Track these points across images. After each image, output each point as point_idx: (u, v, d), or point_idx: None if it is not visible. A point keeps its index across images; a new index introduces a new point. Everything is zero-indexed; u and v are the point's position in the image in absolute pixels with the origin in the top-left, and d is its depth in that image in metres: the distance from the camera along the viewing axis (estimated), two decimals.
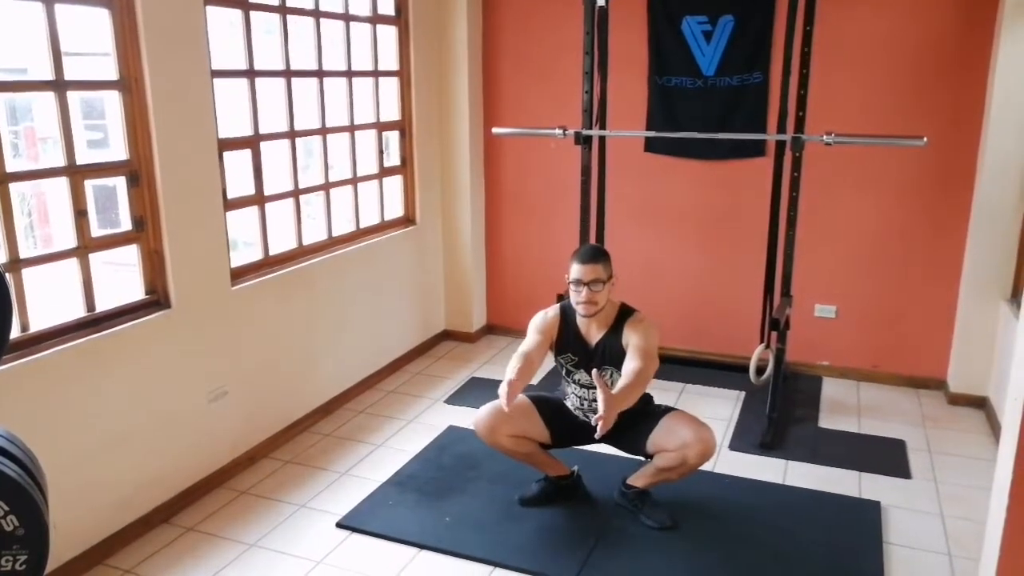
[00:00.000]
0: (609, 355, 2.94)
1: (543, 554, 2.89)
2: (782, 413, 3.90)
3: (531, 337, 3.00)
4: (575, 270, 2.87)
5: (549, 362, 3.11)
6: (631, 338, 2.86)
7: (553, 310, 3.07)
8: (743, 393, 4.30)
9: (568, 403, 3.15)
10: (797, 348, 4.43)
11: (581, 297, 2.86)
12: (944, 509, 3.19)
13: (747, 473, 3.47)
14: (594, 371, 2.65)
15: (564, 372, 3.09)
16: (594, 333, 2.99)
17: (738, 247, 4.54)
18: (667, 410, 2.99)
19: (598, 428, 2.48)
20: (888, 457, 3.61)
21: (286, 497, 3.29)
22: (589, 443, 3.09)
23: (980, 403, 4.12)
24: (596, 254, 2.93)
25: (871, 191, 4.27)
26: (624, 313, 2.97)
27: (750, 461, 3.58)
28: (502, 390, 2.62)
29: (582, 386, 3.04)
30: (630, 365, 2.76)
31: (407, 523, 3.08)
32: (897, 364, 4.44)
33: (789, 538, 2.97)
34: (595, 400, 2.90)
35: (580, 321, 3.00)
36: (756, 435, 3.77)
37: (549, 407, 3.09)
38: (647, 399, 3.05)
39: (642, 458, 3.08)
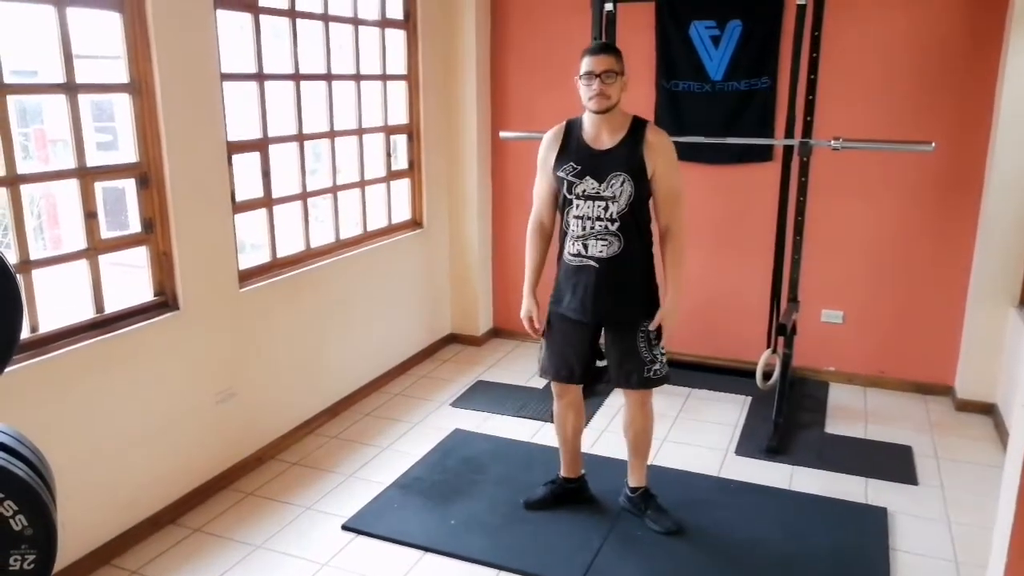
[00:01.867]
0: (626, 162, 2.73)
1: (548, 558, 2.89)
2: (788, 418, 3.89)
3: (539, 183, 2.92)
4: (586, 62, 2.69)
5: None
6: (660, 161, 2.73)
7: (558, 126, 2.89)
8: (749, 398, 4.29)
9: (567, 243, 2.86)
10: (804, 353, 4.42)
11: (593, 89, 2.67)
12: (951, 516, 3.18)
13: (753, 478, 3.46)
14: (602, 251, 2.76)
15: (565, 188, 2.80)
16: (605, 139, 2.77)
17: (745, 252, 4.54)
18: (654, 382, 2.90)
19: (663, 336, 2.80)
20: (895, 463, 3.60)
21: (292, 499, 3.30)
22: (596, 335, 2.96)
23: (988, 409, 4.10)
24: (608, 46, 2.79)
25: (879, 197, 4.26)
26: (639, 122, 2.79)
27: (756, 466, 3.57)
28: (525, 319, 2.94)
29: (587, 198, 2.76)
30: (668, 222, 2.81)
31: (412, 526, 3.08)
32: (904, 370, 4.43)
33: (795, 544, 2.96)
34: (599, 218, 2.75)
35: (588, 127, 2.80)
36: (762, 440, 3.76)
37: (562, 365, 2.97)
38: (654, 300, 2.88)
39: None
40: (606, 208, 2.75)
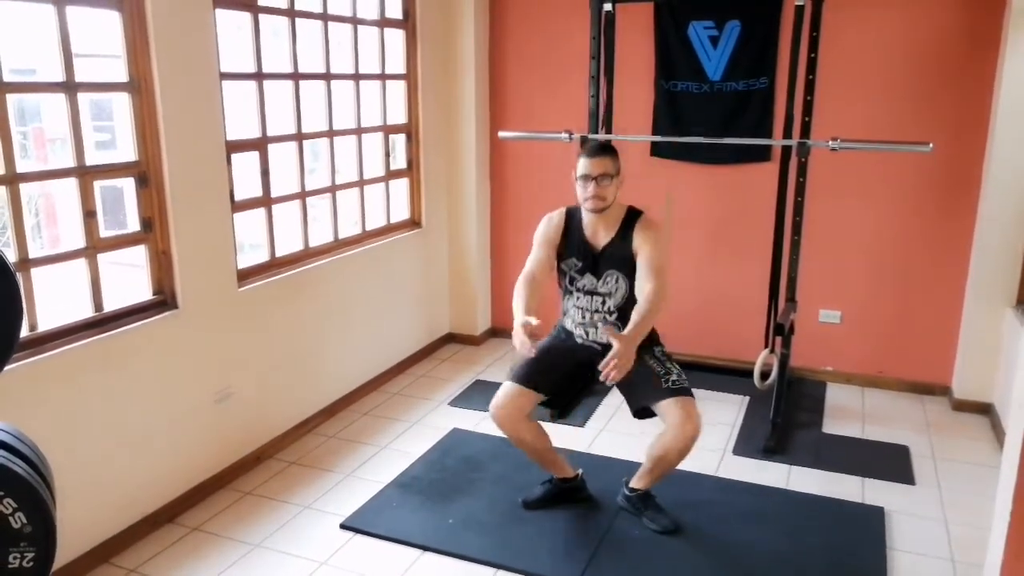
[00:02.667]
0: (616, 260, 2.86)
1: (546, 556, 2.89)
2: (786, 418, 3.90)
3: (536, 252, 2.94)
4: (582, 164, 2.79)
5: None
6: (643, 247, 2.79)
7: (558, 213, 2.99)
8: (747, 398, 4.30)
9: (568, 322, 3.02)
10: (801, 353, 4.43)
11: (589, 192, 2.78)
12: (948, 515, 3.19)
13: (751, 478, 3.47)
14: (602, 324, 2.69)
15: (567, 280, 2.98)
16: (601, 236, 2.89)
17: (743, 252, 4.54)
18: (678, 391, 2.82)
19: (610, 378, 2.48)
20: (892, 463, 3.61)
21: (291, 498, 3.30)
22: (590, 383, 2.97)
23: (985, 409, 4.11)
24: (604, 148, 2.86)
25: (876, 197, 4.27)
26: (632, 215, 2.89)
27: (754, 466, 3.58)
28: (518, 335, 2.61)
29: (586, 293, 2.94)
30: (645, 287, 2.71)
31: (411, 525, 3.08)
32: (901, 370, 4.44)
33: (792, 543, 2.97)
34: (598, 311, 2.92)
35: (586, 224, 2.91)
36: (760, 440, 3.77)
37: (533, 375, 2.94)
38: (655, 338, 2.94)
39: (633, 415, 2.96)
40: (604, 302, 2.93)
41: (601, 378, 2.53)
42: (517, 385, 2.96)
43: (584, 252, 2.92)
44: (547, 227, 2.98)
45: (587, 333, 2.99)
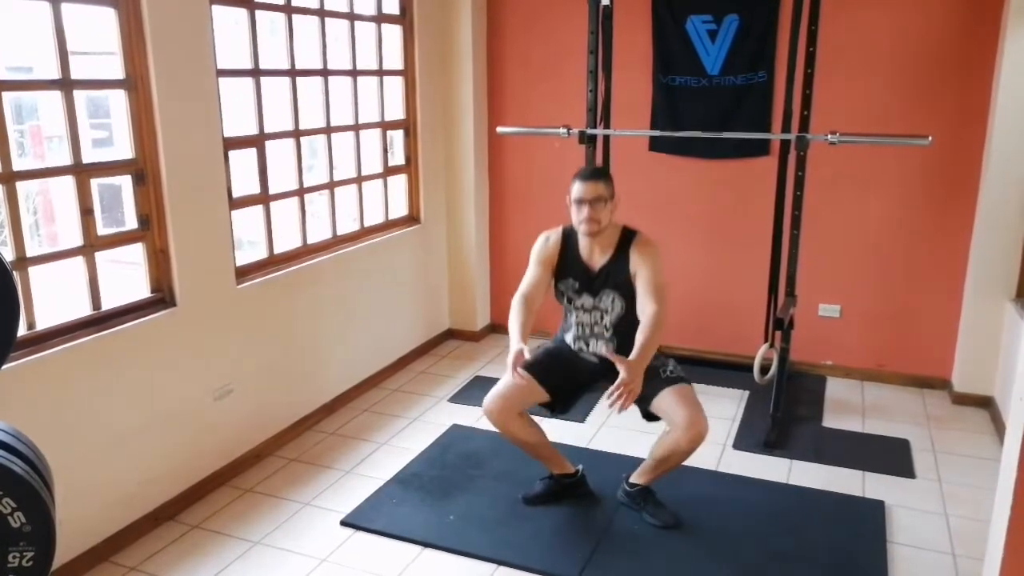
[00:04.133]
0: (613, 279, 2.90)
1: (547, 552, 2.89)
2: (786, 412, 3.90)
3: (532, 271, 2.96)
4: (576, 188, 2.83)
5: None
6: (641, 268, 2.82)
7: (555, 233, 3.01)
8: (747, 392, 4.30)
9: (568, 337, 3.07)
10: (801, 347, 4.43)
11: (583, 216, 2.81)
12: (948, 509, 3.19)
13: (751, 472, 3.47)
14: (603, 346, 2.75)
15: (565, 300, 3.02)
16: (597, 257, 2.93)
17: (742, 246, 4.54)
18: (675, 380, 2.87)
19: (618, 406, 2.50)
20: (892, 457, 3.61)
21: (291, 495, 3.30)
22: (594, 386, 2.99)
23: (985, 403, 4.11)
24: (598, 172, 2.92)
25: (876, 191, 4.26)
26: (628, 235, 2.91)
27: (754, 460, 3.58)
28: (510, 360, 2.66)
29: (585, 310, 2.99)
30: (646, 309, 2.74)
31: (411, 521, 3.08)
32: (901, 364, 4.44)
33: (792, 537, 2.97)
34: (596, 324, 2.97)
35: (582, 244, 2.94)
36: (760, 434, 3.77)
37: (537, 367, 2.94)
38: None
39: (642, 416, 2.99)
40: (601, 317, 2.97)
41: (608, 406, 2.55)
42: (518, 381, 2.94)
43: (581, 273, 2.96)
44: (544, 247, 3.00)
45: (587, 344, 3.04)
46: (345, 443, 3.78)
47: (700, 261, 4.67)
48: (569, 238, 2.99)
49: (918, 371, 4.41)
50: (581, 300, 2.98)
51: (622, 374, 2.51)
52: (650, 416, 2.96)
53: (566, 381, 3.03)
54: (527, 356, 2.70)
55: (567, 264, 2.98)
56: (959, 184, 4.11)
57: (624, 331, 2.87)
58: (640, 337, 2.68)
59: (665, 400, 2.84)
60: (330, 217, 4.09)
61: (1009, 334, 3.88)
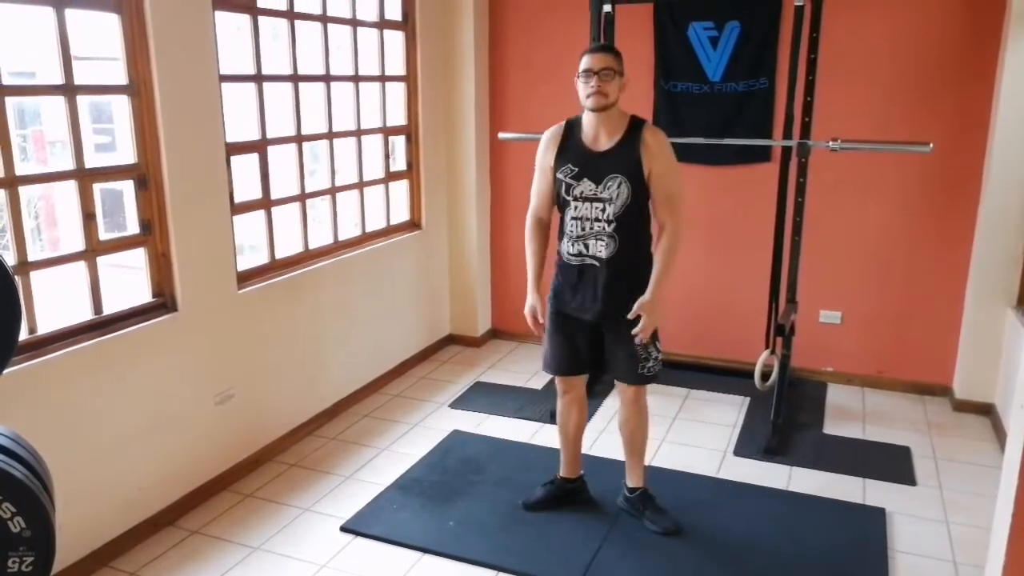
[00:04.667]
0: (622, 163, 2.74)
1: (547, 558, 2.89)
2: (787, 419, 3.90)
3: (538, 179, 2.92)
4: (585, 60, 2.72)
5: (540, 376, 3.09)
6: (656, 164, 2.73)
7: (558, 125, 2.90)
8: (748, 399, 4.30)
9: (564, 245, 2.88)
10: (802, 354, 4.43)
11: (591, 87, 2.69)
12: (949, 516, 3.18)
13: (751, 479, 3.46)
14: (603, 252, 2.78)
15: (563, 190, 2.82)
16: (603, 140, 2.78)
17: (743, 252, 4.54)
18: (644, 380, 2.93)
19: (639, 336, 2.74)
20: (893, 464, 3.60)
21: (291, 500, 3.30)
22: (596, 340, 2.97)
23: (986, 410, 4.10)
24: (607, 47, 2.89)
25: (877, 198, 4.26)
26: (637, 122, 2.80)
27: (754, 467, 3.58)
28: (527, 315, 2.95)
29: (584, 200, 2.79)
30: (662, 219, 2.79)
31: (411, 527, 3.08)
32: (902, 371, 4.43)
33: (793, 544, 2.97)
34: (598, 219, 2.77)
35: (587, 128, 2.81)
36: (761, 441, 3.77)
37: (564, 352, 2.98)
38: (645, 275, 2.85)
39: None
40: (603, 209, 2.77)
41: (636, 342, 2.78)
42: (561, 377, 3.08)
43: (581, 155, 2.79)
44: (545, 141, 2.89)
45: (587, 247, 2.81)
46: (345, 448, 3.77)
47: (701, 267, 4.67)
48: (572, 127, 2.86)
49: (919, 378, 4.40)
50: (580, 187, 2.78)
51: (642, 320, 2.74)
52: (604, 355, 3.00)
53: (587, 351, 2.99)
54: (541, 317, 2.96)
55: (567, 149, 2.82)
56: (960, 191, 4.11)
57: (627, 230, 2.76)
58: (658, 261, 2.78)
59: (626, 390, 3.00)
60: (332, 222, 4.09)
61: (1010, 341, 3.88)
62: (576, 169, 2.80)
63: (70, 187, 2.73)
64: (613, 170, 2.75)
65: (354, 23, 4.12)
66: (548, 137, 2.90)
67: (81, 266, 2.80)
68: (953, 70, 4.01)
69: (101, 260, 2.85)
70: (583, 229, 2.81)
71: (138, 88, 2.88)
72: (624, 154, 2.75)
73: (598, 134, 2.79)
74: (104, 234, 2.85)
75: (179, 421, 3.13)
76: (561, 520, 3.12)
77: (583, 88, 2.73)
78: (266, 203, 3.61)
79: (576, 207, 2.81)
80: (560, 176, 2.83)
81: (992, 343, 4.02)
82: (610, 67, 2.69)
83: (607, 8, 4.02)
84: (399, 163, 4.68)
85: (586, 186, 2.79)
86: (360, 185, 4.29)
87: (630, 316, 2.77)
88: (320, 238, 4.04)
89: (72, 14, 2.65)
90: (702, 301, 4.71)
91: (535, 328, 2.98)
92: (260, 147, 3.55)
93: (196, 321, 3.16)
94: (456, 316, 5.22)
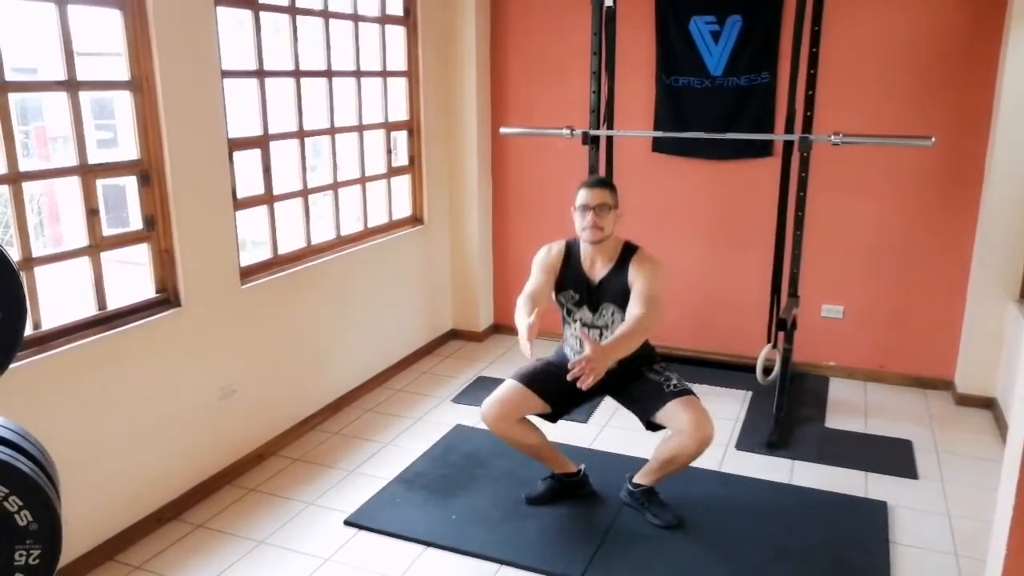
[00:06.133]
0: (612, 292, 2.89)
1: (549, 552, 2.90)
2: (789, 413, 3.90)
3: (535, 277, 2.96)
4: (581, 195, 2.85)
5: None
6: (636, 279, 2.82)
7: (557, 245, 3.03)
8: (750, 393, 4.30)
9: (567, 349, 3.08)
10: (804, 348, 4.43)
11: (587, 222, 2.82)
12: (951, 509, 3.19)
13: (754, 472, 3.47)
14: (579, 328, 2.73)
15: (565, 312, 3.03)
16: (598, 269, 2.93)
17: (745, 247, 4.54)
18: (680, 392, 2.88)
19: (580, 378, 2.40)
20: (895, 457, 3.61)
21: (294, 495, 3.31)
22: (589, 399, 2.98)
23: (988, 404, 4.11)
24: (603, 181, 2.94)
25: (879, 191, 4.26)
26: (629, 249, 2.92)
27: (757, 461, 3.59)
28: (522, 335, 2.55)
29: (584, 325, 2.99)
30: (632, 311, 2.73)
31: (414, 521, 3.09)
32: (904, 364, 4.43)
33: (795, 538, 2.98)
34: (596, 341, 2.84)
35: (584, 256, 2.95)
36: (763, 435, 3.77)
37: (538, 378, 2.99)
38: (652, 358, 3.00)
39: (645, 427, 2.99)
40: (601, 334, 2.94)
41: (569, 378, 2.45)
42: (516, 383, 2.99)
43: (581, 284, 2.96)
44: (546, 256, 3.01)
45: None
46: (349, 443, 3.79)
47: (703, 262, 4.67)
48: (571, 250, 3.00)
49: (921, 372, 4.41)
50: (580, 313, 2.98)
51: (587, 351, 2.44)
52: (653, 426, 2.97)
53: (565, 394, 2.95)
54: (536, 332, 2.63)
55: (568, 275, 2.98)
56: (962, 185, 4.11)
57: (625, 356, 2.77)
58: (618, 331, 2.67)
59: (670, 409, 2.86)
60: (334, 218, 4.10)
61: (1012, 335, 3.88)
62: (577, 296, 2.97)
63: (73, 183, 2.74)
64: (606, 299, 2.91)
65: (355, 18, 4.12)
66: (551, 256, 3.00)
67: (85, 262, 2.81)
68: (955, 63, 4.00)
69: (104, 256, 2.86)
70: (581, 347, 2.90)
71: (140, 84, 2.89)
72: (615, 283, 2.89)
73: (594, 262, 2.94)
74: (107, 230, 2.86)
75: (183, 416, 3.14)
76: (564, 514, 3.13)
77: (579, 221, 2.87)
78: (268, 199, 3.62)
79: (576, 329, 3.00)
80: (563, 300, 3.01)
81: (994, 337, 4.03)
82: (606, 203, 2.83)
83: (608, 2, 4.01)
84: (401, 158, 4.68)
85: (584, 314, 2.97)
86: (362, 180, 4.29)
87: (584, 339, 2.63)
88: (322, 233, 4.04)
89: (74, 10, 2.65)
90: (704, 295, 4.71)
91: (528, 337, 2.55)
92: (262, 143, 3.55)
93: (199, 316, 3.17)
94: (458, 311, 5.22)
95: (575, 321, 3.00)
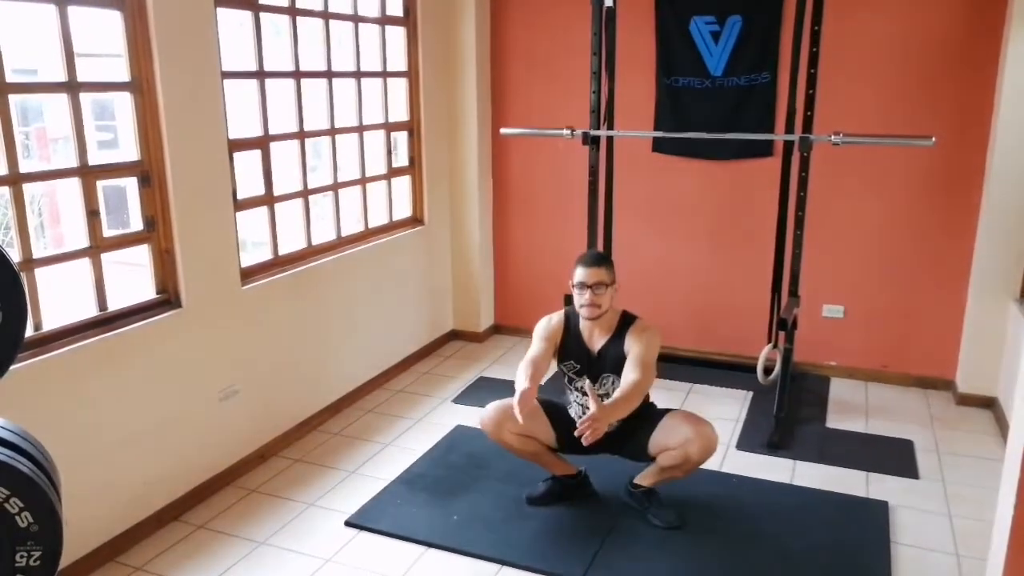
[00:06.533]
0: (611, 362, 2.97)
1: (550, 553, 2.90)
2: (790, 413, 3.90)
3: (537, 344, 3.02)
4: (579, 273, 2.92)
5: (554, 365, 3.12)
6: (632, 346, 2.90)
7: (557, 316, 3.10)
8: (751, 393, 4.30)
9: (571, 412, 3.14)
10: (805, 348, 4.43)
11: (585, 300, 2.91)
12: (952, 509, 3.19)
13: (754, 473, 3.47)
14: (587, 383, 2.76)
15: (566, 380, 3.11)
16: (597, 340, 3.02)
17: (746, 247, 4.54)
18: (666, 411, 3.01)
19: (584, 436, 2.54)
20: (896, 457, 3.61)
21: (295, 495, 3.31)
22: (591, 452, 3.02)
23: (988, 403, 4.10)
24: (599, 258, 3.01)
25: (879, 191, 4.26)
26: (626, 320, 3.01)
27: (758, 461, 3.58)
28: (516, 399, 2.63)
29: (584, 394, 3.02)
30: (628, 376, 2.81)
31: (415, 521, 3.09)
32: (905, 364, 4.43)
33: (796, 538, 2.97)
34: None
35: (583, 327, 3.03)
36: (764, 435, 3.77)
37: (557, 411, 3.10)
38: (645, 403, 3.05)
39: (647, 462, 3.07)
40: (602, 400, 2.91)
41: (576, 434, 2.59)
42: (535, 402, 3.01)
43: (582, 355, 3.03)
44: (547, 326, 3.07)
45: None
46: (349, 444, 3.79)
47: (703, 262, 4.67)
48: (570, 320, 3.07)
49: (922, 372, 4.40)
50: (581, 382, 3.02)
51: (592, 409, 2.57)
52: (647, 457, 3.01)
53: (571, 437, 2.93)
54: (535, 400, 2.78)
55: (569, 345, 3.05)
56: (963, 184, 4.10)
57: (624, 417, 2.84)
58: (617, 393, 2.76)
59: (666, 424, 2.93)
60: (334, 218, 4.10)
61: (1013, 334, 3.87)
62: (578, 366, 3.04)
63: (74, 184, 2.74)
64: (607, 369, 2.99)
65: (355, 19, 4.12)
66: (551, 327, 3.05)
67: (85, 263, 2.81)
68: (955, 63, 4.00)
69: (105, 257, 2.86)
70: (583, 412, 2.97)
71: (140, 85, 2.89)
72: (613, 353, 2.96)
73: (592, 333, 3.02)
74: (108, 231, 2.86)
75: (184, 417, 3.14)
76: (564, 514, 3.13)
77: (578, 298, 2.93)
78: (269, 199, 3.62)
79: (579, 396, 3.06)
80: (565, 369, 3.08)
81: (995, 337, 4.02)
82: (602, 281, 2.90)
83: (608, 2, 4.01)
84: (401, 159, 4.68)
85: (585, 383, 2.95)
86: (362, 181, 4.29)
87: (590, 394, 2.68)
88: (323, 234, 4.04)
89: (74, 11, 2.65)
90: (705, 296, 4.71)
91: (521, 405, 2.62)
92: (263, 143, 3.55)
93: (200, 317, 3.17)
94: (459, 311, 5.22)
95: (576, 390, 3.07)
